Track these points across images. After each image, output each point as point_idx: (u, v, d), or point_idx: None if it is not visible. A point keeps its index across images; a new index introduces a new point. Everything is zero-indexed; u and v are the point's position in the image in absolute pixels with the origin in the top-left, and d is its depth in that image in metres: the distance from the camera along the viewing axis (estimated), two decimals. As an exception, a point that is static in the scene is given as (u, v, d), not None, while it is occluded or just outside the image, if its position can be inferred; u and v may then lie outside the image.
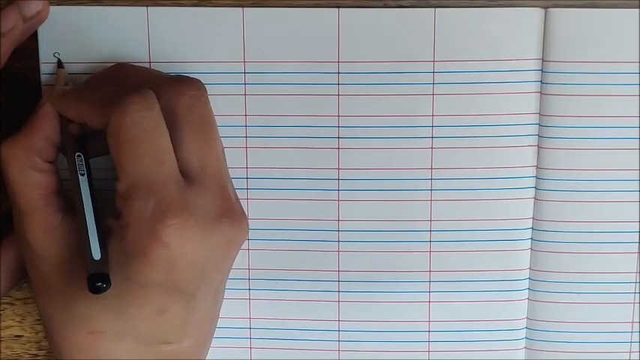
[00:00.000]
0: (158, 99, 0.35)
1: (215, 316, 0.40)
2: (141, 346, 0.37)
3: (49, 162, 0.37)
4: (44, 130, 0.37)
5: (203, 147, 0.36)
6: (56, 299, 0.37)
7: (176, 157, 0.36)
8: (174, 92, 0.36)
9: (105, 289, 0.34)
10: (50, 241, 0.37)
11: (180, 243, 0.35)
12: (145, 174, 0.35)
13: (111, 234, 0.36)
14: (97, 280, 0.34)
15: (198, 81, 0.37)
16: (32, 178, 0.37)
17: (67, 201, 0.38)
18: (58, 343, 0.38)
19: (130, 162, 0.35)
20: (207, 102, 0.37)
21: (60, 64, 0.40)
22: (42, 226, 0.37)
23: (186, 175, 0.36)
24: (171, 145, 0.35)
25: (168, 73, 0.39)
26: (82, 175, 0.37)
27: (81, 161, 0.37)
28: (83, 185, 0.36)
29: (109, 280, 0.34)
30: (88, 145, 0.38)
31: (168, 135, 0.35)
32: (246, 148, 0.41)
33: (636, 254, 0.42)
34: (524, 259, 0.42)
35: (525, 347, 0.43)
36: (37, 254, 0.37)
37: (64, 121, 0.37)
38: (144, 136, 0.34)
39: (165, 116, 0.35)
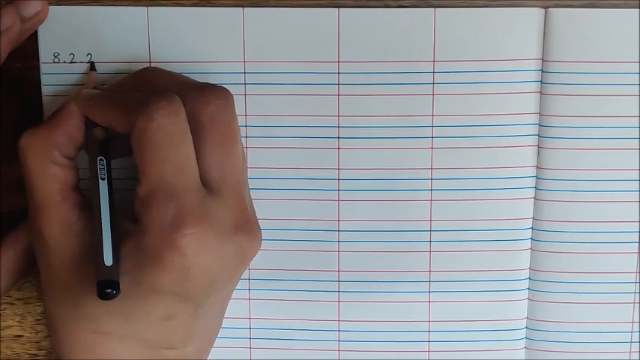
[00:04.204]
0: (183, 105, 0.35)
1: (219, 323, 0.40)
2: (145, 349, 0.37)
3: (69, 158, 0.37)
4: (66, 128, 0.37)
5: (224, 157, 0.36)
6: (64, 296, 0.37)
7: (197, 165, 0.35)
8: (200, 100, 0.36)
9: (114, 296, 0.34)
10: (65, 237, 0.37)
11: (196, 252, 0.35)
12: (167, 180, 0.34)
13: (127, 237, 0.35)
14: (107, 287, 0.34)
15: (225, 90, 0.37)
16: (50, 171, 0.36)
17: (84, 199, 0.38)
18: (62, 340, 0.38)
19: (152, 167, 0.34)
20: (232, 112, 0.37)
21: (92, 66, 0.40)
22: (58, 221, 0.36)
23: (206, 184, 0.36)
24: (194, 153, 0.35)
25: (196, 80, 0.38)
26: (103, 179, 0.36)
27: (102, 165, 0.37)
28: (102, 190, 0.36)
29: (119, 287, 0.34)
30: (110, 148, 0.37)
31: (192, 143, 0.35)
32: (246, 148, 0.41)
33: (636, 254, 0.42)
34: (524, 259, 0.42)
35: (525, 347, 0.43)
36: (50, 249, 0.37)
37: (88, 124, 0.37)
38: (168, 142, 0.34)
39: (189, 124, 0.35)
